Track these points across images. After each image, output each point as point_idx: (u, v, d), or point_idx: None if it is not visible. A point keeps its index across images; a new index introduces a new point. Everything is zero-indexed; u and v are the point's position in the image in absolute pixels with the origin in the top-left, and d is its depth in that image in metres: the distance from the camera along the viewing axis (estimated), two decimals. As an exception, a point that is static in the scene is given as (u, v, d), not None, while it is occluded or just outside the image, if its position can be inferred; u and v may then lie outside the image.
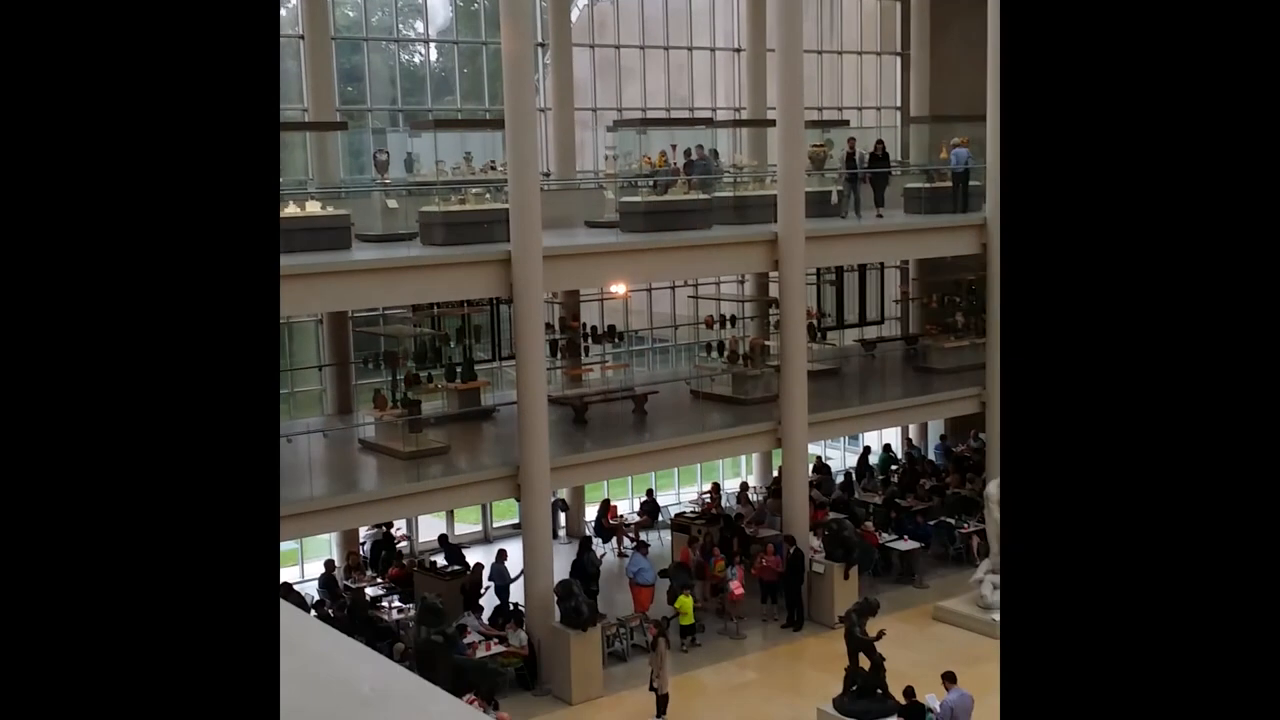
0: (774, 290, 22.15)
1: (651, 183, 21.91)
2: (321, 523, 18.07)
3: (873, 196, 23.15)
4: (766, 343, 23.80)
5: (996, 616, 19.51)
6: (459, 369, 21.79)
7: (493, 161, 20.92)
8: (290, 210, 18.68)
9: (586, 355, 24.48)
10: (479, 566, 20.37)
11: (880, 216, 22.87)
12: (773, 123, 22.40)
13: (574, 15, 27.05)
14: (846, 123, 27.40)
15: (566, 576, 18.47)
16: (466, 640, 17.38)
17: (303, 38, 22.49)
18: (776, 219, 20.52)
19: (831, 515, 22.76)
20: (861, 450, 29.47)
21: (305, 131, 22.08)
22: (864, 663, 15.62)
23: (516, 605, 18.95)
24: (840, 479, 27.11)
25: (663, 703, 16.77)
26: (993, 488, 20.30)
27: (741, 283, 28.15)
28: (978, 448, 26.71)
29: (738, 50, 28.98)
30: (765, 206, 21.49)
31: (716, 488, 26.21)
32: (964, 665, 16.86)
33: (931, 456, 29.00)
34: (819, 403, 21.78)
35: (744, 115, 28.05)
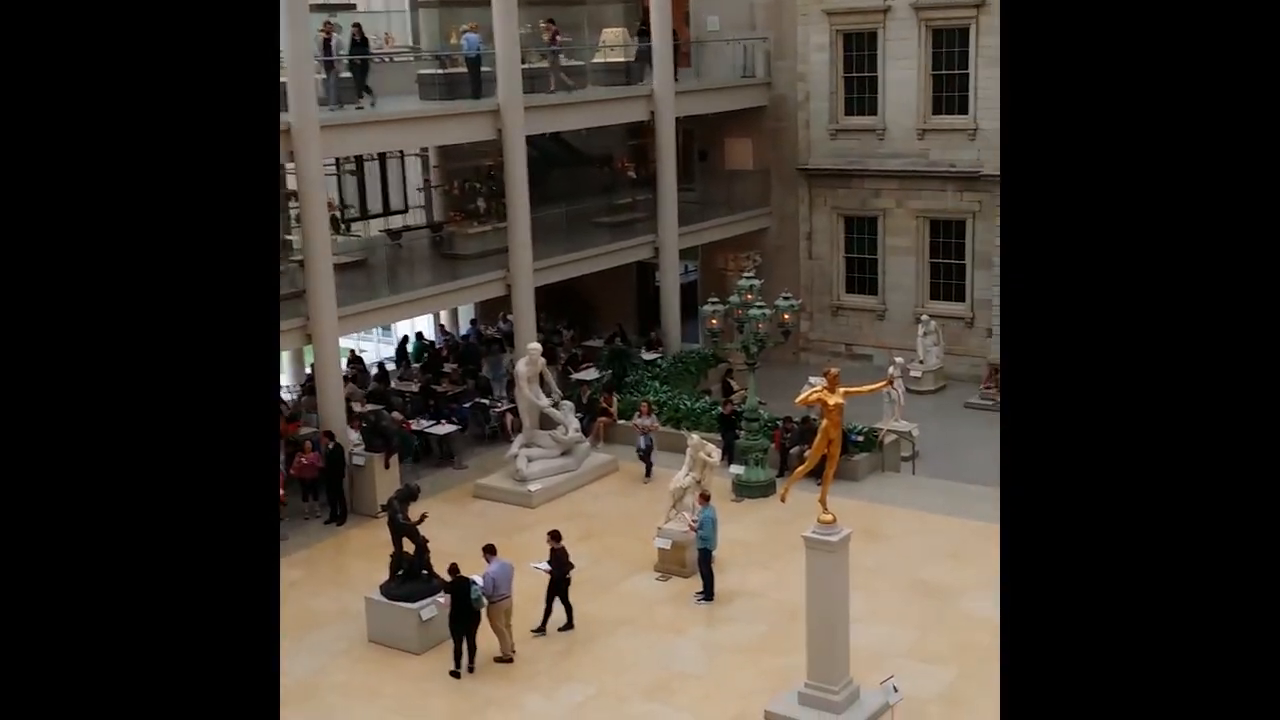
0: (292, 183, 21.36)
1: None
2: None
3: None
4: (288, 237, 23.03)
5: (532, 488, 20.50)
6: None
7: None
8: None
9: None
10: None
11: (360, 108, 21.97)
12: (276, 5, 21.26)
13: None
14: (353, 6, 26.64)
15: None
16: None
17: None
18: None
19: (369, 407, 22.76)
20: (400, 340, 29.55)
21: None
22: (408, 547, 15.90)
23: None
24: (375, 370, 27.08)
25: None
26: (521, 365, 21.10)
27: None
28: (507, 330, 27.56)
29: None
30: (274, 95, 20.50)
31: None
32: (504, 537, 17.62)
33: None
34: (347, 295, 21.50)
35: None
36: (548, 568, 15.78)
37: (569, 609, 15.92)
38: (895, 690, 13.07)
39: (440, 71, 24.47)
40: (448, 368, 26.48)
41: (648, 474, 21.22)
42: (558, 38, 25.61)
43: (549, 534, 16.07)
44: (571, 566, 15.87)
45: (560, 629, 15.87)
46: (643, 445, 21.33)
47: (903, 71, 28.22)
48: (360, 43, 22.60)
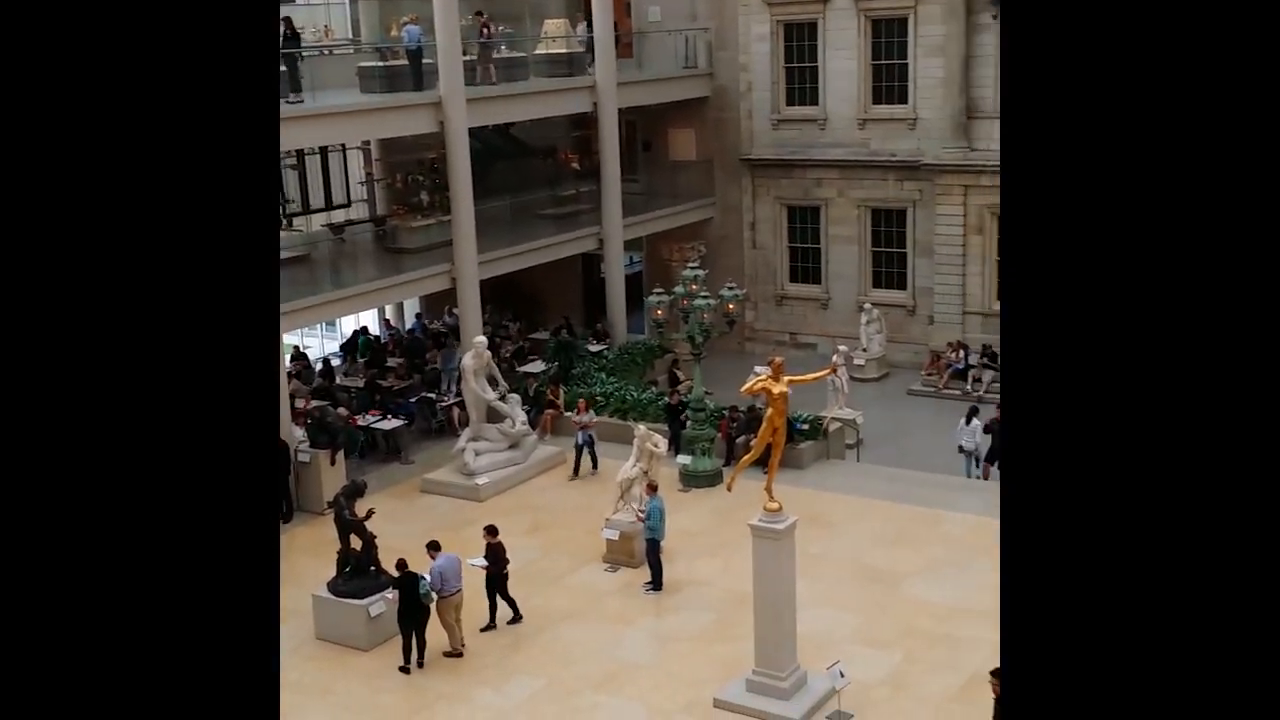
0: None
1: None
2: None
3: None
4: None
5: (480, 481, 20.48)
6: None
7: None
8: None
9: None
10: None
11: (292, 102, 21.67)
12: None
13: None
14: (291, 0, 26.38)
15: None
16: None
17: None
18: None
19: (314, 403, 22.59)
20: (351, 335, 29.36)
21: None
22: (355, 543, 15.83)
23: None
24: (320, 366, 26.89)
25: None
26: (467, 359, 21.05)
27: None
28: (453, 324, 27.46)
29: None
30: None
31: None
32: (452, 531, 17.63)
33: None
34: (290, 291, 21.28)
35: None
36: (484, 563, 15.77)
37: (511, 603, 15.91)
38: (841, 675, 13.24)
39: (381, 64, 24.28)
40: (392, 362, 26.35)
41: (594, 466, 21.24)
42: (489, 29, 25.49)
43: (485, 529, 16.06)
44: (508, 561, 15.85)
45: (509, 623, 15.89)
46: (580, 441, 21.32)
47: (843, 61, 28.44)
48: (291, 37, 22.32)
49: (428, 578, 14.87)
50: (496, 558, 15.76)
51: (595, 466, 21.25)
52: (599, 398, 23.36)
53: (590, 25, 27.12)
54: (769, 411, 13.55)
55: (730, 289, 21.44)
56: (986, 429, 20.99)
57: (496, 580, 15.80)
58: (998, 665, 12.08)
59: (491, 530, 15.94)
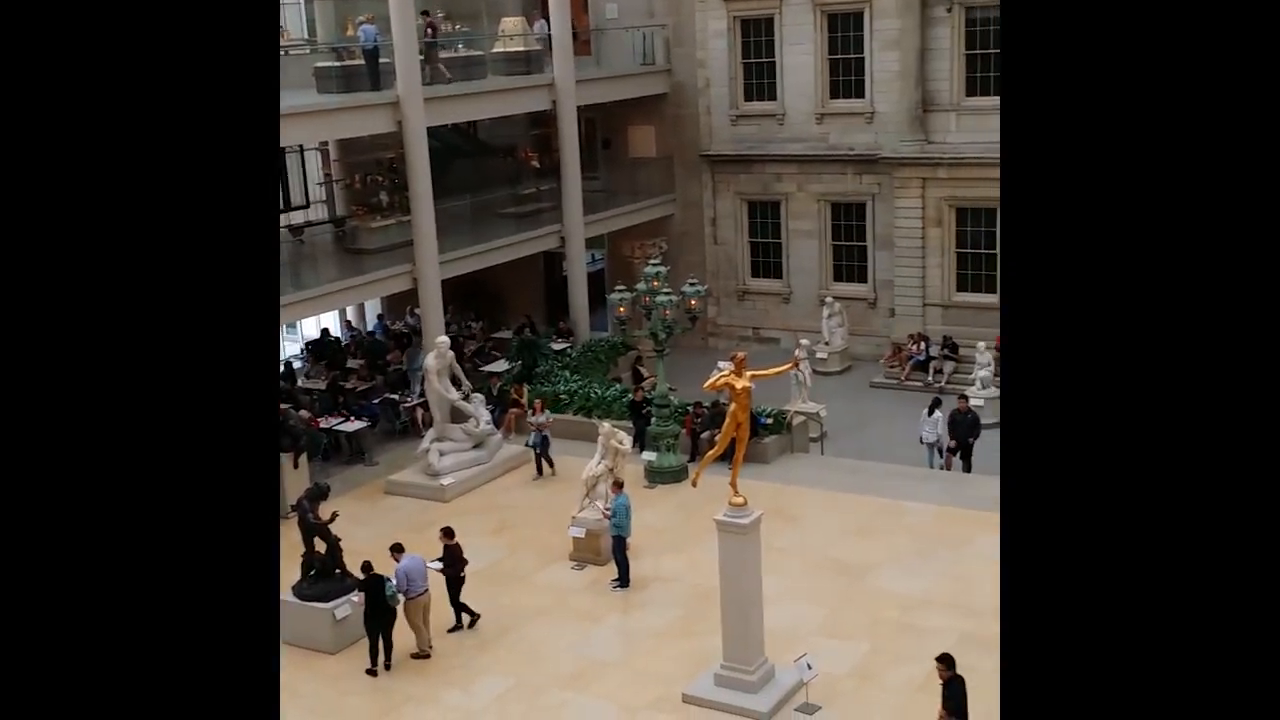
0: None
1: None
2: None
3: None
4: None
5: (444, 481, 20.41)
6: None
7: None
8: None
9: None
10: None
11: None
12: None
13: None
14: None
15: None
16: None
17: None
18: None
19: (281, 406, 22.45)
20: (320, 336, 29.16)
21: None
22: (320, 546, 15.75)
23: None
24: (281, 369, 26.68)
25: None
26: (430, 360, 20.97)
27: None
28: (414, 324, 27.34)
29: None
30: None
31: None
32: (416, 532, 17.55)
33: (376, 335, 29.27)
34: (249, 294, 21.12)
35: None
36: (439, 566, 15.66)
37: (462, 610, 15.73)
38: (809, 667, 13.31)
39: (337, 64, 24.14)
40: (353, 363, 26.20)
41: (550, 468, 21.09)
42: (434, 28, 25.34)
43: (441, 531, 15.94)
44: (465, 563, 15.77)
45: (450, 630, 15.70)
46: (532, 441, 21.26)
47: (800, 56, 28.55)
48: None
49: (393, 580, 14.81)
50: (453, 560, 15.66)
51: (543, 470, 21.06)
52: (563, 396, 23.33)
53: (548, 23, 27.07)
54: (732, 406, 13.59)
55: (692, 285, 21.48)
56: (951, 420, 21.15)
57: (451, 583, 15.71)
58: (944, 651, 12.30)
59: (447, 532, 15.83)
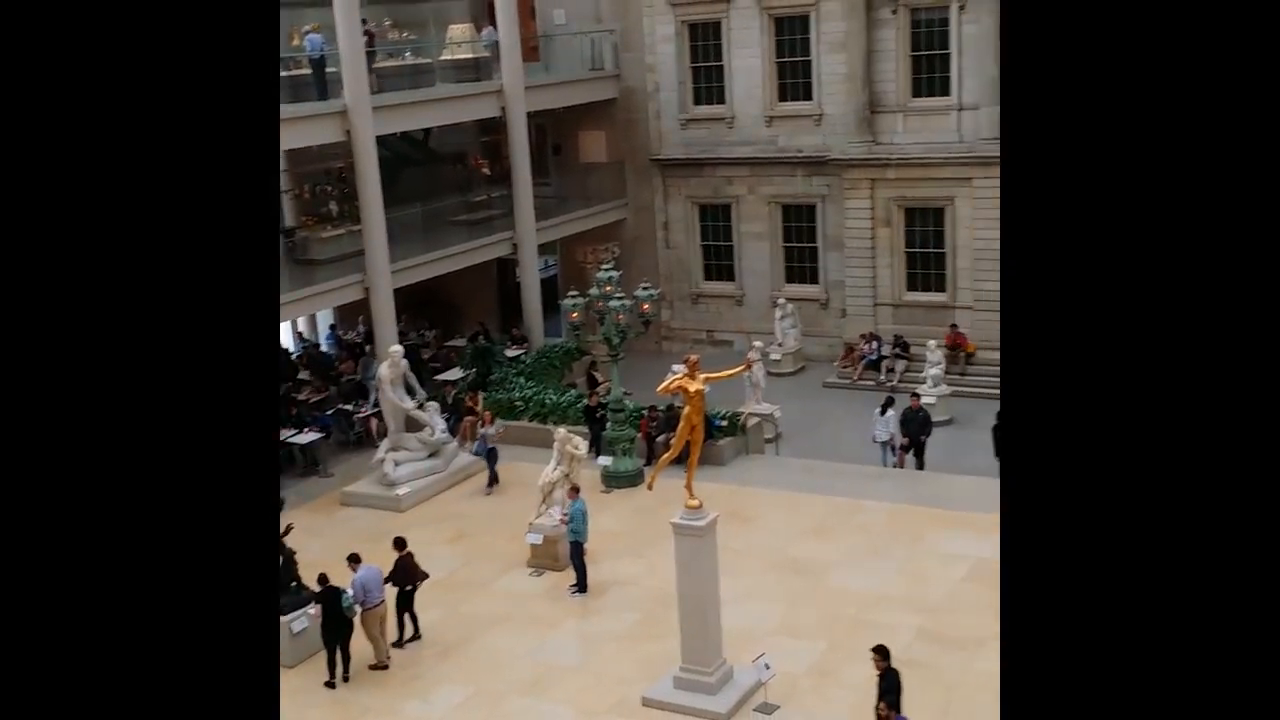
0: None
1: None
2: None
3: None
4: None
5: (400, 491, 20.31)
6: None
7: None
8: None
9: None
10: None
11: None
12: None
13: None
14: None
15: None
16: None
17: None
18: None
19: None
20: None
21: None
22: (275, 559, 15.64)
23: None
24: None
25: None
26: (383, 369, 20.86)
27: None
28: (366, 332, 27.19)
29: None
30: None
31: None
32: (373, 542, 17.42)
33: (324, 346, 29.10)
34: (198, 306, 20.93)
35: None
36: (389, 584, 15.53)
37: (404, 622, 15.67)
38: (767, 667, 13.39)
39: (284, 74, 23.96)
40: (304, 374, 26.02)
41: (495, 481, 20.94)
42: (371, 35, 25.19)
43: (394, 541, 15.81)
44: (425, 576, 15.69)
45: (406, 640, 15.66)
46: (478, 450, 21.18)
47: (748, 60, 28.70)
48: None
49: (350, 591, 14.73)
50: (405, 572, 15.56)
51: (492, 482, 20.97)
52: (518, 402, 23.30)
53: (496, 29, 27.04)
54: (687, 409, 13.65)
55: (645, 289, 21.53)
56: (903, 418, 21.34)
57: (402, 596, 15.63)
58: (880, 643, 12.46)
59: (399, 543, 15.74)
